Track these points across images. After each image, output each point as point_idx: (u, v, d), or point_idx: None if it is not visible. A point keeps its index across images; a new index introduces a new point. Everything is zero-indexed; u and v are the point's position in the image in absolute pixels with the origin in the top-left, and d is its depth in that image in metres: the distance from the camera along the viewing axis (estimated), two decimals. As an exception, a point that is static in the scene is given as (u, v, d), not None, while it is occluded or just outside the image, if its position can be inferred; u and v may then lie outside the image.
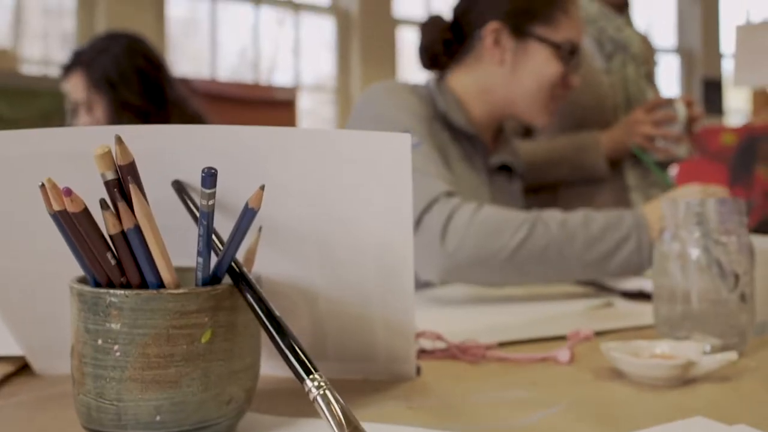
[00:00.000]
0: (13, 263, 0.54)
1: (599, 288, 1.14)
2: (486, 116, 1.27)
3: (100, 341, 0.41)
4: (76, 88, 1.78)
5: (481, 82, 1.25)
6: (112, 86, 1.73)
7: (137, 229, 0.40)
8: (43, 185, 0.38)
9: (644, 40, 1.80)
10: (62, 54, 3.36)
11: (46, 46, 3.36)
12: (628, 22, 1.72)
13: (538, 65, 1.22)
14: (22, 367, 0.63)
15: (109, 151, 0.39)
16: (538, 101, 1.24)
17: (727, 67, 5.45)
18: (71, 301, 0.44)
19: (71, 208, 0.38)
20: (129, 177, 0.38)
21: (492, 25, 1.21)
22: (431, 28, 1.30)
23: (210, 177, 0.39)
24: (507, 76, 1.23)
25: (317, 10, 4.00)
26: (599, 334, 0.79)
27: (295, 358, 0.40)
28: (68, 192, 0.37)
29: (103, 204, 0.39)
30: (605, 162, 1.53)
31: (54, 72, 3.15)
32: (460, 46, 1.27)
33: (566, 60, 1.22)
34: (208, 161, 0.47)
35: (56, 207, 0.38)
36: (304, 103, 3.88)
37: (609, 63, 1.64)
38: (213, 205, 0.40)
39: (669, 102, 1.50)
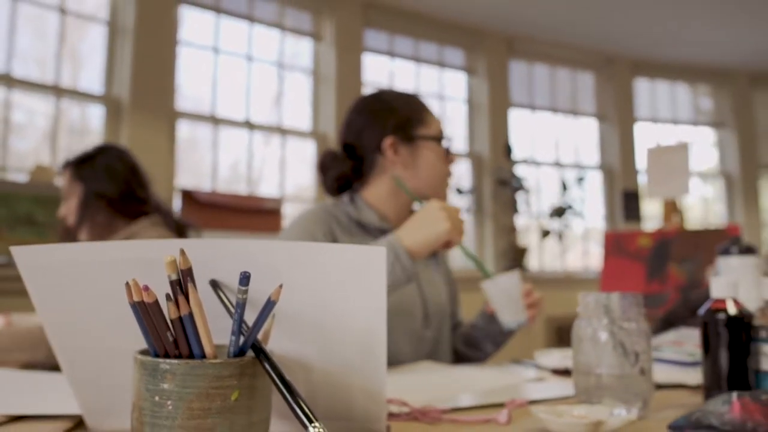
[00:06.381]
0: (83, 343, 0.61)
1: (534, 367, 1.22)
2: (397, 210, 1.41)
3: (156, 398, 0.49)
4: (64, 181, 1.84)
5: (389, 186, 1.39)
6: (87, 179, 1.79)
7: (191, 315, 0.48)
8: (127, 283, 0.46)
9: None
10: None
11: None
12: None
13: (431, 158, 1.39)
14: (78, 424, 0.69)
15: (174, 260, 0.47)
16: (442, 184, 1.41)
17: (642, 181, 5.71)
18: (134, 368, 0.51)
19: (147, 299, 0.46)
20: (188, 278, 0.47)
21: (388, 141, 1.37)
22: (333, 164, 1.43)
23: (245, 278, 0.47)
24: (411, 174, 1.38)
25: (300, 134, 4.20)
26: (533, 402, 0.86)
27: (300, 411, 0.48)
28: (146, 288, 0.46)
29: (168, 297, 0.47)
30: None
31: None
32: (362, 169, 1.41)
33: (444, 145, 1.40)
34: (235, 266, 0.55)
35: (136, 298, 0.46)
36: (287, 210, 3.99)
37: None
38: (245, 298, 0.49)
39: None
